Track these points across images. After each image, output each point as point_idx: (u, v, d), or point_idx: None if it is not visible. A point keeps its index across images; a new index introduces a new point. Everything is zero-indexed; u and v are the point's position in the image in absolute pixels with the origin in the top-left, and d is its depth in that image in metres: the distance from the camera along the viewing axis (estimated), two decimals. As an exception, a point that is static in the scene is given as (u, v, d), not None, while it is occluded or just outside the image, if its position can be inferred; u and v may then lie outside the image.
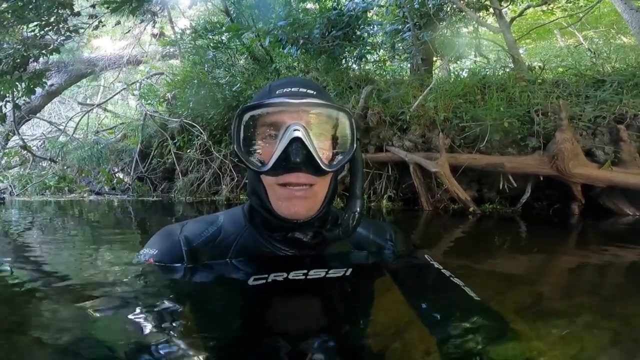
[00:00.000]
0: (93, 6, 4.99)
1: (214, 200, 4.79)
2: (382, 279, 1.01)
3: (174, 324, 0.71)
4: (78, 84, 9.55)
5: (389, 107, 4.05)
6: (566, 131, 3.19)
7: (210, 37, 5.43)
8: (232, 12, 5.57)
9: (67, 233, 2.44)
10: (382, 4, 5.42)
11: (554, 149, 3.18)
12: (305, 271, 0.88)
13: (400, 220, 3.23)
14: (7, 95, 4.86)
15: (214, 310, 0.82)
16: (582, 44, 7.40)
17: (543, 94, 3.69)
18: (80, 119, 7.84)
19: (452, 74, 5.02)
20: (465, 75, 4.77)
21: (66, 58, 8.15)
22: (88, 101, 9.82)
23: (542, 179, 3.35)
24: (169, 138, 5.73)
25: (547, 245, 2.17)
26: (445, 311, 0.78)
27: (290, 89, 0.88)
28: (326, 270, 0.90)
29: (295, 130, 0.81)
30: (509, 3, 5.79)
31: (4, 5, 4.09)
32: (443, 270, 0.95)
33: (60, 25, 4.47)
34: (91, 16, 5.35)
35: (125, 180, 6.32)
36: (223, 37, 5.48)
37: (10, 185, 6.07)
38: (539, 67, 4.44)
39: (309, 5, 5.73)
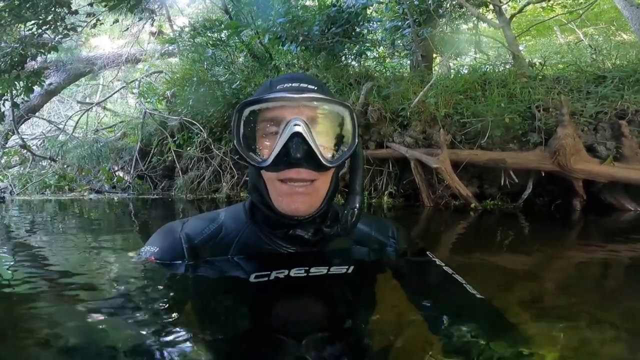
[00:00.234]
0: (91, 4, 4.97)
1: (215, 197, 4.79)
2: (384, 276, 1.00)
3: (175, 322, 0.71)
4: (77, 82, 9.52)
5: (389, 104, 4.04)
6: (568, 127, 3.18)
7: (209, 34, 5.42)
8: (231, 9, 5.55)
9: (68, 231, 2.44)
10: (381, 0, 5.39)
11: (556, 145, 3.17)
12: (306, 268, 0.88)
13: (401, 216, 3.23)
14: (6, 94, 4.86)
15: (215, 307, 0.82)
16: (582, 40, 7.37)
17: (544, 90, 3.68)
18: (79, 118, 7.83)
19: (452, 71, 5.01)
20: (466, 71, 4.75)
21: (64, 57, 8.13)
22: (87, 100, 9.80)
23: (543, 174, 3.35)
24: (168, 136, 5.72)
25: (549, 241, 2.17)
26: (447, 309, 0.78)
27: (290, 84, 0.87)
28: (328, 267, 0.90)
29: (295, 125, 0.80)
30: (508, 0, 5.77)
31: (1, 4, 4.07)
32: (445, 268, 0.95)
33: (58, 24, 4.45)
34: (89, 14, 5.33)
35: (126, 178, 6.32)
36: (222, 35, 5.46)
37: (10, 185, 6.06)
38: (540, 63, 4.43)
39: (308, 2, 5.72)
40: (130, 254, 1.10)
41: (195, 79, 5.45)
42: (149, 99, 6.78)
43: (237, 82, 5.05)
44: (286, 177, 0.84)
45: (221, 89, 5.18)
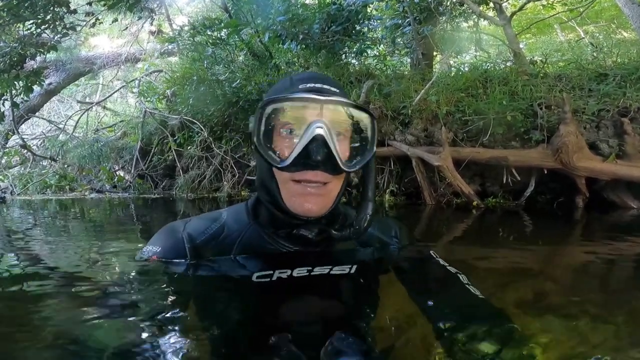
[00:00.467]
0: (90, 3, 4.96)
1: (216, 197, 4.78)
2: (386, 275, 1.01)
3: (177, 322, 0.70)
4: (76, 82, 9.51)
5: (390, 102, 4.03)
6: (570, 124, 3.17)
7: (209, 33, 5.40)
8: (230, 8, 5.53)
9: (69, 231, 2.44)
10: (381, -2, 5.37)
11: (558, 142, 3.16)
12: (309, 268, 0.87)
13: (403, 214, 3.22)
14: (5, 93, 4.85)
15: (217, 307, 0.82)
16: (582, 38, 7.35)
17: (546, 88, 3.66)
18: (79, 118, 7.84)
19: (453, 68, 4.99)
20: (467, 69, 4.74)
21: (64, 56, 8.12)
22: (87, 99, 9.79)
23: (546, 172, 3.33)
24: (169, 135, 5.72)
25: (551, 239, 2.16)
26: (449, 308, 0.78)
27: (313, 85, 0.87)
28: (330, 267, 0.89)
29: (318, 127, 0.80)
30: (509, -3, 5.75)
31: (0, 3, 4.06)
32: (448, 267, 0.95)
33: (57, 23, 4.44)
34: (88, 14, 5.32)
35: (126, 178, 6.32)
36: (222, 34, 5.45)
37: (11, 185, 6.06)
38: (541, 61, 4.41)
39: (308, 0, 5.70)
40: (132, 253, 1.09)
41: (195, 77, 5.44)
42: (149, 98, 6.77)
43: (237, 81, 5.04)
44: (303, 178, 0.83)
45: (221, 88, 5.17)
